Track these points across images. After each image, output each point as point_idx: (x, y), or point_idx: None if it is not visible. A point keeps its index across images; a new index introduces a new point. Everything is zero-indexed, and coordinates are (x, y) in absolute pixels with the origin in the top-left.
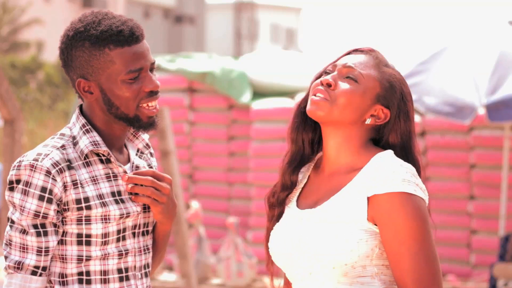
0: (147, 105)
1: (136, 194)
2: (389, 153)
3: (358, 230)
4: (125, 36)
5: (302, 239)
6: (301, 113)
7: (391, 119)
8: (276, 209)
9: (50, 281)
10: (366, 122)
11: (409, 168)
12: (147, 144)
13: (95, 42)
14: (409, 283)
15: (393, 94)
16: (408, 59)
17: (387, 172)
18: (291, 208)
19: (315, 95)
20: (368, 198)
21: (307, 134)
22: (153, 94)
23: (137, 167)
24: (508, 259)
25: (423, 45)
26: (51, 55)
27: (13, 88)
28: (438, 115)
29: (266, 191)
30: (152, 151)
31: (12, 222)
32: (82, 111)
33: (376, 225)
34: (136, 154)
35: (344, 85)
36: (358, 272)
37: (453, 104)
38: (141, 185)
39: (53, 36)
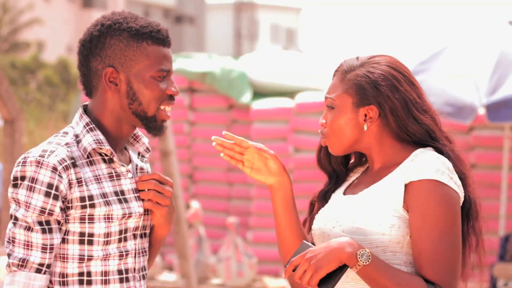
0: (165, 108)
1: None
2: (429, 148)
3: (392, 216)
4: (163, 36)
5: (339, 220)
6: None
7: (381, 110)
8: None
9: (50, 281)
10: (365, 129)
11: (446, 162)
12: (147, 148)
13: (134, 34)
14: (424, 264)
15: (365, 92)
16: (408, 59)
17: (423, 161)
18: (336, 194)
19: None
20: (405, 185)
21: (335, 158)
22: (172, 98)
23: (142, 169)
24: (508, 259)
25: (423, 45)
26: (51, 55)
27: (13, 88)
28: (438, 115)
29: (266, 191)
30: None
31: (16, 219)
32: (85, 111)
33: (408, 212)
34: (138, 157)
35: (329, 118)
36: (388, 258)
37: (453, 104)
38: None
39: (53, 36)
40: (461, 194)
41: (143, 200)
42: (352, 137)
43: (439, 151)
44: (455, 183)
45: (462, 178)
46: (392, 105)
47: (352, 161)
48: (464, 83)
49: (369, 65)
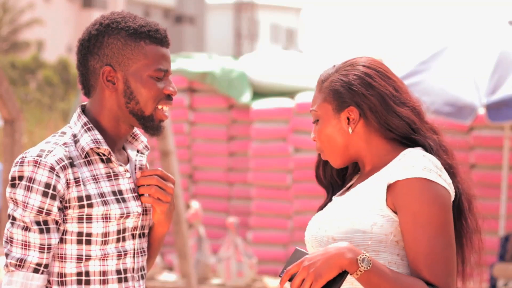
0: (162, 108)
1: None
2: (418, 148)
3: (375, 214)
4: (161, 35)
5: (325, 221)
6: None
7: (360, 110)
8: None
9: (48, 281)
10: (350, 132)
11: (433, 160)
12: (146, 146)
13: (132, 33)
14: (422, 266)
15: (341, 95)
16: (408, 59)
17: (409, 160)
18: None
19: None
20: (390, 184)
21: (330, 171)
22: (170, 98)
23: (141, 167)
24: (508, 259)
25: (423, 45)
26: (51, 55)
27: (13, 88)
28: (438, 115)
29: (266, 191)
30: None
31: (14, 219)
32: (83, 111)
33: (395, 212)
34: (137, 155)
35: (317, 131)
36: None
37: (453, 104)
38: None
39: (53, 36)
40: (452, 191)
41: (141, 195)
42: (342, 143)
43: (426, 148)
44: (444, 181)
45: (449, 169)
46: (369, 103)
47: (348, 172)
48: (464, 83)
49: (343, 70)
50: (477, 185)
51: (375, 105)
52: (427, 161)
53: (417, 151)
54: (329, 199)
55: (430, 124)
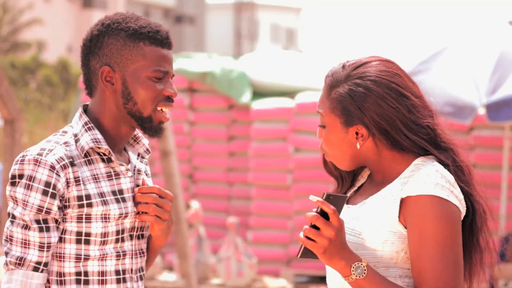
0: (162, 109)
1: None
2: (430, 158)
3: (387, 231)
4: (162, 37)
5: None
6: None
7: (369, 130)
8: None
9: (47, 280)
10: (358, 147)
11: (446, 175)
12: (147, 149)
13: (132, 34)
14: (424, 283)
15: (349, 113)
16: (408, 59)
17: (421, 175)
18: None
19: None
20: (402, 199)
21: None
22: (170, 100)
23: (139, 170)
24: (508, 259)
25: (423, 45)
26: (51, 55)
27: (13, 88)
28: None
29: (266, 191)
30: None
31: (13, 217)
32: (85, 111)
33: (406, 227)
34: (137, 159)
35: (323, 136)
36: (381, 272)
37: (453, 104)
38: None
39: (53, 36)
40: (463, 208)
41: (137, 203)
42: (349, 154)
43: (442, 160)
44: (456, 197)
45: (464, 188)
46: (379, 126)
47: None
48: (464, 83)
49: (352, 80)
50: (477, 185)
51: (384, 128)
52: (440, 177)
53: (430, 165)
54: (339, 190)
55: (447, 143)
